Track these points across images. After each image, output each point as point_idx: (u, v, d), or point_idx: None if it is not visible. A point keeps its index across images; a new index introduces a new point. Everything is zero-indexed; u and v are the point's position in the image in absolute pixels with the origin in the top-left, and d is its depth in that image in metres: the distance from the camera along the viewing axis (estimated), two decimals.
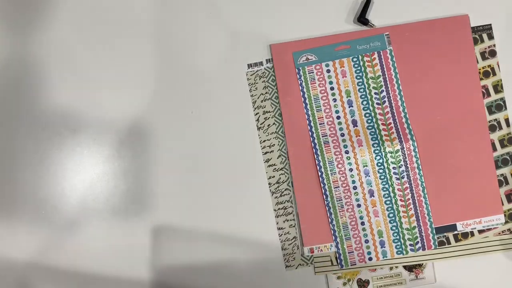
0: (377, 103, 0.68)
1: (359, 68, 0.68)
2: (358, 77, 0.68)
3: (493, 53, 0.69)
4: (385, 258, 0.67)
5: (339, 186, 0.67)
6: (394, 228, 0.67)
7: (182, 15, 0.70)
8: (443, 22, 0.69)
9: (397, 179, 0.67)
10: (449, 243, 0.67)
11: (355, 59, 0.69)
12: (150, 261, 0.68)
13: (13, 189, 0.69)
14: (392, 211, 0.67)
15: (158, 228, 0.68)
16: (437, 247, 0.67)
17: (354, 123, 0.68)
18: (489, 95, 0.69)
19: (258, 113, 0.69)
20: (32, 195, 0.69)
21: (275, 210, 0.68)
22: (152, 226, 0.68)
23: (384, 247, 0.67)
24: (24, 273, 0.68)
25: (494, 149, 0.68)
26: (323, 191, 0.67)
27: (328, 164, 0.67)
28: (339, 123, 0.68)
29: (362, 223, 0.67)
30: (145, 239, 0.68)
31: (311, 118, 0.68)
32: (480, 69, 0.69)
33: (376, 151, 0.67)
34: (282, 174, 0.68)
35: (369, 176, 0.67)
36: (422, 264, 0.67)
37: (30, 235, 0.68)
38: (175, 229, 0.68)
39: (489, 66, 0.69)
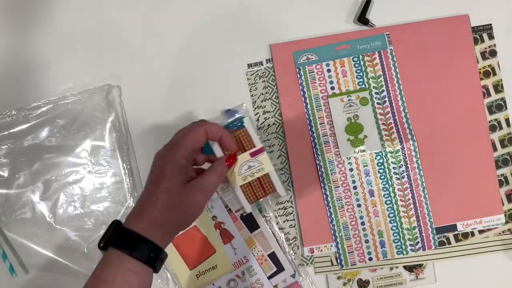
0: (378, 103, 0.68)
1: (359, 67, 0.68)
2: (359, 77, 0.68)
3: (493, 53, 0.69)
4: (385, 258, 0.67)
5: (339, 186, 0.67)
6: (394, 228, 0.67)
7: (182, 15, 0.70)
8: (443, 22, 0.69)
9: (397, 179, 0.67)
10: (449, 243, 0.67)
11: (355, 59, 0.68)
12: None
13: None
14: (392, 211, 0.67)
15: None
16: (437, 247, 0.67)
17: None
18: (489, 95, 0.69)
19: (258, 113, 0.69)
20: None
21: (275, 210, 0.68)
22: None
23: (384, 247, 0.67)
24: None
25: (494, 149, 0.68)
26: (323, 191, 0.67)
27: (328, 164, 0.67)
28: None
29: (362, 223, 0.67)
30: None
31: (311, 118, 0.68)
32: (480, 69, 0.69)
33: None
34: (282, 174, 0.68)
35: (369, 176, 0.67)
36: (422, 264, 0.67)
37: None
38: None
39: (489, 66, 0.69)
